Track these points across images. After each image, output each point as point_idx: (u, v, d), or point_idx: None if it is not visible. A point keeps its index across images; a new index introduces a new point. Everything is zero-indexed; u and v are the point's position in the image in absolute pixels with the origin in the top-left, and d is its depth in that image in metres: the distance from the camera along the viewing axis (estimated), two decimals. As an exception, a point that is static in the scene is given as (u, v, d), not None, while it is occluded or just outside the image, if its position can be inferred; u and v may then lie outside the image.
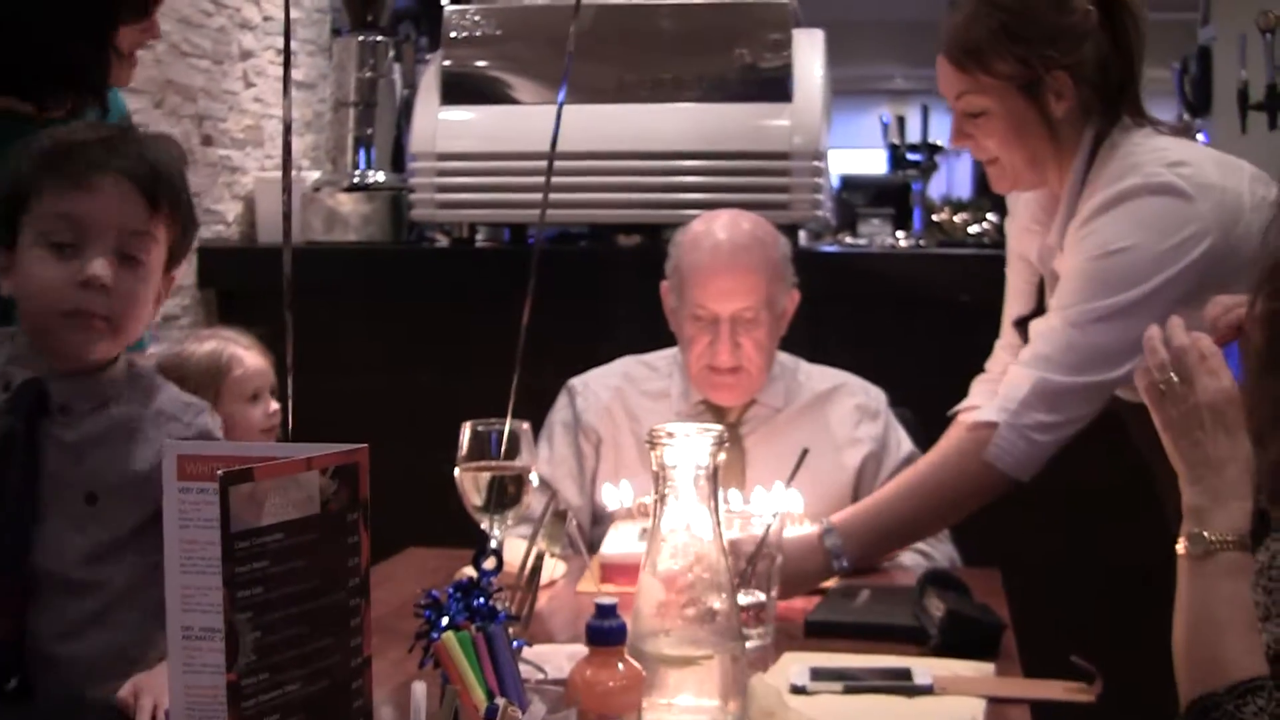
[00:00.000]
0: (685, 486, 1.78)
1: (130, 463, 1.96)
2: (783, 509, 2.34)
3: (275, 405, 3.05)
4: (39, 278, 1.92)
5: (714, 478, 1.78)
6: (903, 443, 2.95)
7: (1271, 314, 1.69)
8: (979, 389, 2.74)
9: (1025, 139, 2.54)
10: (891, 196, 6.85)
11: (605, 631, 1.61)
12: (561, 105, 1.95)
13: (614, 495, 2.67)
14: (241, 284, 4.26)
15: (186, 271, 4.20)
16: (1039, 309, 2.63)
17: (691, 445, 1.78)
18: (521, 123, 3.92)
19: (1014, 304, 2.78)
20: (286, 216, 1.37)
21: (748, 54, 3.92)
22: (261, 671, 1.07)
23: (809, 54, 3.94)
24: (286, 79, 1.39)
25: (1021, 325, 2.67)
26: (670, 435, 1.78)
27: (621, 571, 2.42)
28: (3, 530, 1.88)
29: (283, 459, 1.09)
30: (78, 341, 1.94)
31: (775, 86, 3.89)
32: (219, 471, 1.03)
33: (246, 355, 3.08)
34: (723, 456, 1.79)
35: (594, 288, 3.94)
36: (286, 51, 1.48)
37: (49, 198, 1.91)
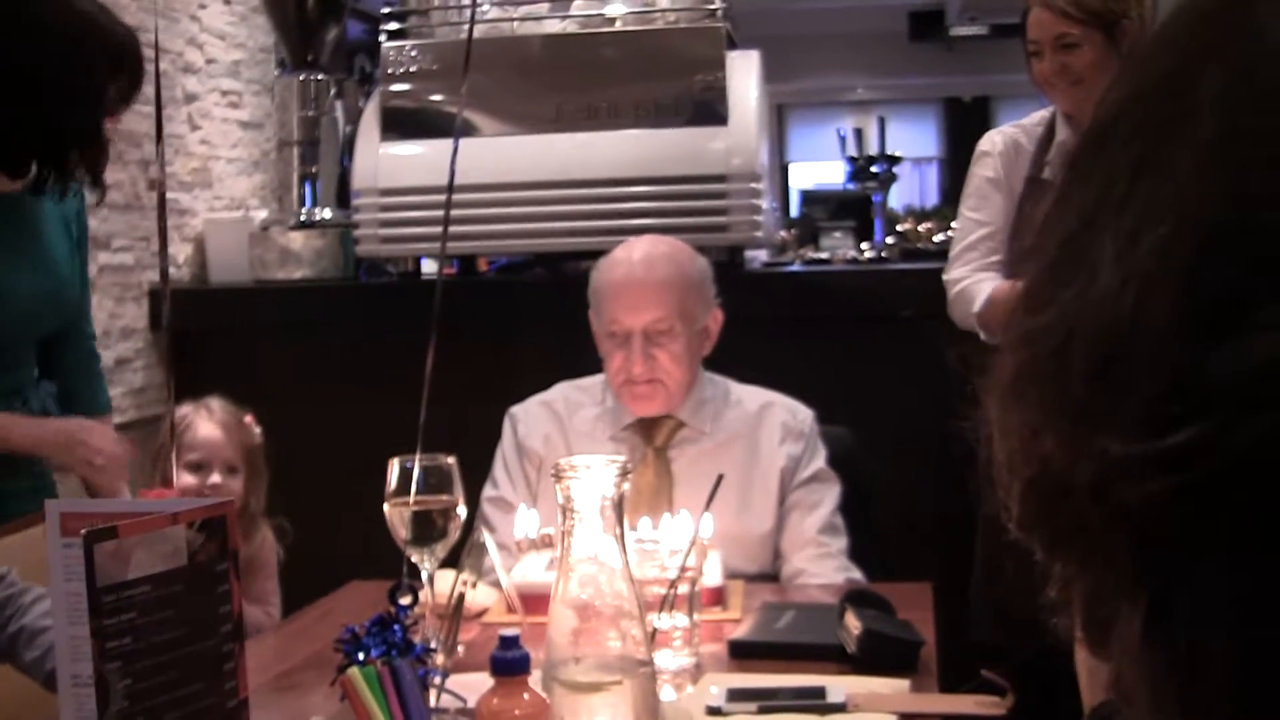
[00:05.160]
0: (592, 517, 1.82)
1: None
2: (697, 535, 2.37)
3: (218, 479, 3.09)
4: None
5: (619, 507, 1.82)
6: (813, 462, 2.93)
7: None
8: None
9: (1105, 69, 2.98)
10: (853, 209, 6.89)
11: (508, 662, 1.65)
12: (457, 142, 2.01)
13: (521, 525, 2.69)
14: (193, 325, 4.27)
15: (138, 315, 4.23)
16: None
17: (596, 477, 1.82)
18: (461, 155, 3.94)
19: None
20: (164, 274, 1.41)
21: (683, 78, 3.96)
22: (135, 716, 1.11)
23: (744, 76, 3.98)
24: (159, 144, 1.44)
25: None
26: (574, 469, 1.83)
27: (526, 601, 2.44)
28: None
29: (148, 515, 1.13)
30: None
31: (710, 110, 3.93)
32: (82, 531, 1.07)
33: (202, 426, 3.13)
34: (627, 487, 1.83)
35: (545, 316, 3.95)
36: (158, 115, 1.52)
37: None
